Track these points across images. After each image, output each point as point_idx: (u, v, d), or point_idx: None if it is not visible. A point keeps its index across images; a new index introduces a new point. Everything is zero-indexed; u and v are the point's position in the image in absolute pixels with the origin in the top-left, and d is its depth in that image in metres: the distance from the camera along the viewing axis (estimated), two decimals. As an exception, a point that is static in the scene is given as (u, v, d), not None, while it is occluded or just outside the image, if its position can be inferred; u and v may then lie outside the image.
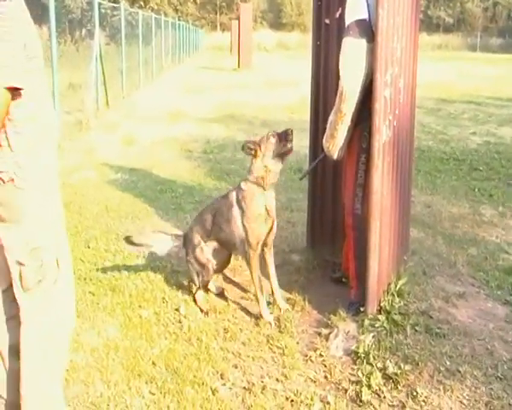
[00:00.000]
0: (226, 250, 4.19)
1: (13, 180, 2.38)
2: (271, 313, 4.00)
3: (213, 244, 4.14)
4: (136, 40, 18.66)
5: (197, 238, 4.17)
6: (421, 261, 4.83)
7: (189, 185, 7.28)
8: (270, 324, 3.90)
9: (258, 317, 3.98)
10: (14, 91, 2.29)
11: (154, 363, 3.45)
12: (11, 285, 2.67)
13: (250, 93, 16.61)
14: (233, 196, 3.98)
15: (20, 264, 2.51)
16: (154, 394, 3.19)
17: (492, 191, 6.99)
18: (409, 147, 4.31)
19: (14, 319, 2.70)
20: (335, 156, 3.89)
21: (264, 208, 3.90)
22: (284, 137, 3.86)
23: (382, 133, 3.58)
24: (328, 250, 4.69)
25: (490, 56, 29.27)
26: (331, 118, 3.81)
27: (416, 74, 4.40)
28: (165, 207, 6.37)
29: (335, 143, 3.80)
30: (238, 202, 3.93)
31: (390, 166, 3.78)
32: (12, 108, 2.33)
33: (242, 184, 3.95)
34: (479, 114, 12.83)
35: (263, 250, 4.06)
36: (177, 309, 4.09)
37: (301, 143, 9.27)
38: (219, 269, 4.34)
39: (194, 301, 4.17)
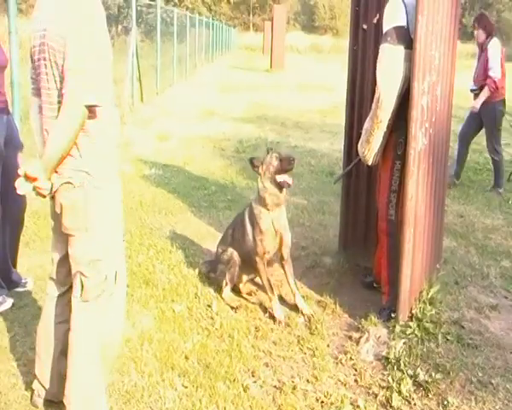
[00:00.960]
0: (245, 262, 4.27)
1: (83, 185, 2.51)
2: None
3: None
4: (170, 38, 18.80)
5: (220, 251, 4.40)
6: (454, 271, 4.82)
7: (222, 183, 7.34)
8: (281, 322, 3.95)
9: (289, 317, 4.02)
10: (91, 107, 2.43)
11: (186, 357, 3.50)
12: (68, 290, 2.78)
13: (282, 94, 16.61)
14: (246, 212, 4.19)
15: (83, 275, 2.61)
16: (186, 387, 3.24)
17: (526, 204, 6.90)
18: (444, 155, 4.30)
19: (64, 324, 2.78)
20: (370, 162, 3.91)
21: (272, 226, 4.01)
22: (287, 162, 3.92)
23: (418, 141, 3.58)
24: (361, 254, 4.70)
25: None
26: (367, 124, 3.82)
27: (454, 82, 4.39)
28: (197, 204, 6.44)
29: (371, 149, 3.82)
30: (249, 218, 4.12)
31: (425, 174, 3.79)
32: (87, 122, 2.46)
33: (252, 202, 4.13)
34: (512, 125, 12.62)
35: (281, 264, 4.19)
36: (209, 305, 4.15)
37: (333, 147, 9.33)
38: (244, 272, 4.37)
39: (223, 299, 4.23)
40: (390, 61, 3.63)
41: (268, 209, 3.99)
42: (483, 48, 7.29)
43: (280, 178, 3.93)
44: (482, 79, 7.26)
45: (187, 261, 4.80)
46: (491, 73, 7.10)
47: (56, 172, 2.48)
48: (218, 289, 4.31)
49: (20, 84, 6.08)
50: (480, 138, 11.02)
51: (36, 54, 2.52)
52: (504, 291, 4.57)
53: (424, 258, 4.03)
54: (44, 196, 2.51)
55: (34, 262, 4.70)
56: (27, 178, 2.41)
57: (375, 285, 4.32)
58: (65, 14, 2.41)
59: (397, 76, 3.62)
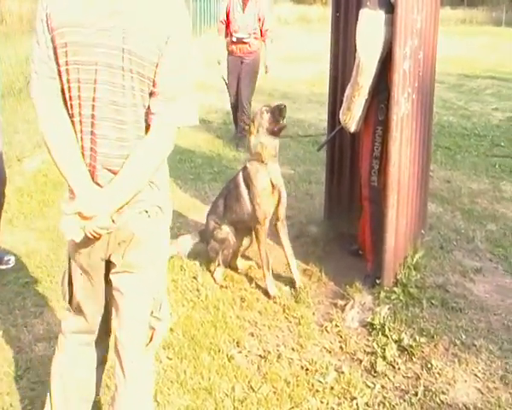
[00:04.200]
0: (240, 231, 4.18)
1: (156, 215, 2.10)
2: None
3: (229, 226, 4.17)
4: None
5: (213, 224, 4.23)
6: (439, 236, 4.82)
7: (208, 156, 7.29)
8: (275, 297, 3.92)
9: (275, 286, 4.01)
10: None
11: (171, 329, 3.49)
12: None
13: (270, 66, 16.46)
14: (239, 176, 4.05)
15: (156, 318, 2.23)
16: (171, 359, 3.24)
17: (514, 168, 6.90)
18: (428, 121, 4.27)
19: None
20: (352, 129, 3.88)
21: (269, 182, 3.91)
22: (278, 112, 3.86)
23: (401, 106, 3.55)
24: (346, 223, 4.68)
25: (515, 31, 28.75)
26: (348, 90, 3.79)
27: (437, 47, 4.33)
28: (183, 176, 6.39)
29: (352, 116, 3.78)
30: (244, 180, 3.99)
31: (408, 140, 3.76)
32: None
33: (247, 164, 4.00)
34: (502, 90, 12.60)
35: (276, 225, 4.08)
36: (195, 277, 4.14)
37: (321, 117, 9.25)
38: (240, 246, 4.29)
39: (213, 279, 4.17)
40: (370, 27, 3.58)
41: (264, 163, 3.88)
42: None
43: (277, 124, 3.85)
44: None
45: (172, 234, 4.77)
46: None
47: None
48: (206, 263, 4.28)
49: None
50: (469, 104, 11.09)
51: (94, 55, 1.92)
52: (489, 254, 4.58)
53: (408, 224, 4.02)
54: (98, 238, 2.02)
55: (17, 239, 4.67)
56: (82, 217, 1.93)
57: (360, 253, 4.32)
58: (165, 16, 1.93)
59: (377, 41, 3.57)
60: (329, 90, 4.67)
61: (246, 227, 4.11)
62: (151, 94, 1.94)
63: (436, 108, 10.17)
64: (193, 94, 2.02)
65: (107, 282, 2.19)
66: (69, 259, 2.22)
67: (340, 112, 3.90)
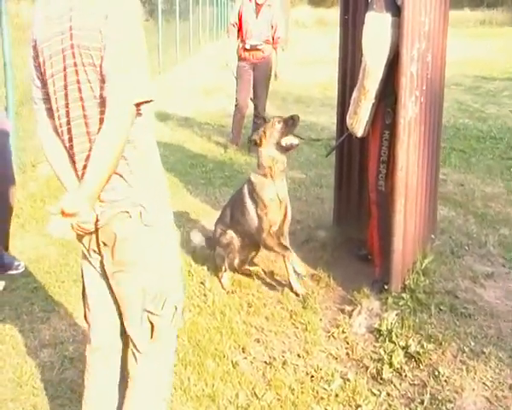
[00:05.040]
0: (247, 241, 4.15)
1: (140, 214, 2.09)
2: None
3: (234, 232, 4.15)
4: (173, 16, 18.62)
5: (219, 232, 4.23)
6: (450, 241, 4.75)
7: (220, 160, 7.29)
8: (303, 295, 3.91)
9: (282, 292, 3.99)
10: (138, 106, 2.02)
11: (177, 335, 3.48)
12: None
13: (285, 70, 16.44)
14: (245, 189, 4.02)
15: (151, 313, 2.22)
16: (175, 365, 3.22)
17: (529, 171, 6.79)
18: (437, 124, 4.22)
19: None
20: (359, 134, 3.84)
21: (276, 195, 3.91)
22: (291, 122, 3.84)
23: (408, 109, 3.51)
24: (355, 227, 4.63)
25: (535, 32, 28.37)
26: (354, 94, 3.75)
27: (446, 49, 4.28)
28: (194, 181, 6.40)
29: (359, 120, 3.75)
30: (249, 193, 3.96)
31: (416, 143, 3.72)
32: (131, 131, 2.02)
33: (252, 177, 3.98)
34: (519, 92, 12.45)
35: (279, 240, 4.03)
36: (202, 283, 4.13)
37: (334, 120, 9.11)
38: (248, 253, 4.27)
39: (221, 284, 4.15)
40: (376, 30, 3.55)
41: (272, 179, 3.87)
42: None
43: (285, 140, 3.84)
44: None
45: (181, 239, 4.77)
46: None
47: (102, 201, 2.05)
48: (214, 269, 4.27)
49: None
50: (485, 106, 10.96)
51: (54, 65, 2.03)
52: (502, 259, 4.50)
53: (417, 228, 3.97)
54: (87, 233, 2.08)
55: (28, 244, 4.71)
56: (65, 215, 1.97)
57: (369, 258, 4.27)
58: (104, 2, 1.98)
59: (383, 45, 3.54)
60: (338, 94, 4.63)
61: (252, 239, 4.08)
62: (102, 81, 1.97)
63: (452, 111, 10.23)
64: (144, 69, 2.02)
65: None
66: (82, 270, 2.29)
67: (347, 116, 3.87)
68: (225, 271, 4.16)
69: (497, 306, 3.80)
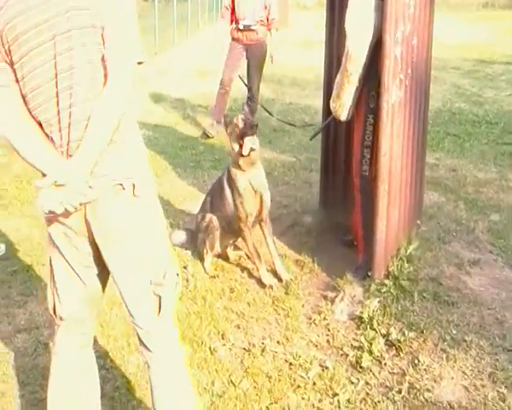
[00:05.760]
0: (228, 228, 4.12)
1: (134, 187, 2.00)
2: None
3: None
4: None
5: (199, 217, 4.23)
6: (438, 226, 4.68)
7: (211, 143, 7.20)
8: (272, 286, 3.84)
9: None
10: None
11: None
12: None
13: (283, 52, 16.28)
14: (223, 176, 4.04)
15: (157, 296, 2.14)
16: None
17: (523, 156, 6.69)
18: (423, 108, 4.13)
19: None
20: (343, 117, 3.77)
21: (250, 186, 3.88)
22: (249, 126, 3.78)
23: (392, 93, 3.43)
24: (340, 212, 4.56)
25: (538, 16, 28.05)
26: (338, 78, 3.68)
27: (432, 33, 4.18)
28: (183, 164, 6.32)
29: (342, 104, 3.68)
30: (227, 181, 3.97)
31: (400, 128, 3.64)
32: None
33: (229, 165, 3.99)
34: (518, 76, 12.30)
35: (260, 226, 4.03)
36: (184, 267, 4.08)
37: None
38: (229, 238, 4.22)
39: (203, 268, 4.11)
40: (359, 12, 3.46)
41: (243, 170, 3.87)
42: None
43: (245, 141, 3.78)
44: None
45: (166, 222, 4.71)
46: None
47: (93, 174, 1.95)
48: (196, 253, 4.22)
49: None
50: (482, 90, 10.83)
51: (34, 37, 1.90)
52: (490, 246, 4.44)
53: (401, 214, 3.91)
54: (78, 208, 1.94)
55: (11, 225, 4.65)
56: (56, 186, 1.86)
57: (354, 243, 4.20)
58: None
59: (366, 28, 3.45)
60: (324, 77, 4.55)
61: (232, 226, 4.05)
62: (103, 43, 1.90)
63: (448, 95, 10.12)
64: (134, 30, 1.97)
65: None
66: (50, 258, 2.16)
67: (331, 100, 3.79)
68: (207, 254, 4.11)
69: (481, 293, 3.75)
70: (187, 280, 3.92)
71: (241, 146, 3.79)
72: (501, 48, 16.59)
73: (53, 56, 1.89)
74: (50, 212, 1.90)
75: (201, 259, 4.15)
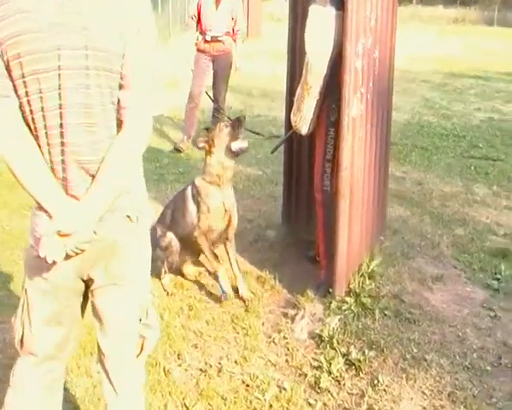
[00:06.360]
0: (187, 243, 3.98)
1: (137, 219, 1.94)
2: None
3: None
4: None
5: (158, 233, 4.03)
6: (402, 241, 4.64)
7: (176, 155, 7.10)
8: (226, 296, 3.73)
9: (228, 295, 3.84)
10: None
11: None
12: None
13: (254, 63, 16.22)
14: (187, 191, 3.88)
15: (142, 337, 2.08)
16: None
17: (489, 169, 6.71)
18: (386, 122, 4.08)
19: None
20: (303, 131, 3.70)
21: (222, 205, 3.77)
22: (237, 124, 3.71)
23: (352, 106, 3.37)
24: (304, 227, 4.49)
25: (506, 31, 28.44)
26: (298, 91, 3.61)
27: (395, 46, 4.14)
28: (147, 177, 6.02)
29: (302, 117, 3.61)
30: (193, 197, 3.82)
31: (362, 142, 3.58)
32: None
33: (196, 181, 3.83)
34: (486, 90, 12.42)
35: (225, 244, 3.93)
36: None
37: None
38: (187, 254, 4.10)
39: (162, 285, 3.99)
40: (318, 24, 3.40)
41: (219, 186, 3.73)
42: None
43: (234, 145, 3.69)
44: None
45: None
46: None
47: None
48: (153, 269, 4.09)
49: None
50: (451, 103, 10.92)
51: (41, 61, 1.76)
52: (454, 261, 4.41)
53: (363, 229, 3.85)
54: (80, 253, 1.85)
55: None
56: (61, 236, 1.77)
57: (317, 259, 4.13)
58: (126, 4, 1.81)
59: (326, 40, 3.40)
60: (286, 88, 4.48)
61: (192, 243, 3.91)
62: (120, 87, 1.80)
63: (418, 108, 10.17)
64: (158, 83, 1.95)
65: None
66: (25, 290, 1.99)
67: (292, 113, 3.72)
68: (165, 273, 3.99)
69: (444, 310, 3.70)
70: (144, 297, 3.80)
71: (232, 152, 3.70)
72: (470, 62, 16.83)
73: (58, 87, 1.77)
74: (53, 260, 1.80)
75: (158, 276, 4.02)
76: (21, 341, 2.03)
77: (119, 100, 1.82)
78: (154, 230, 4.11)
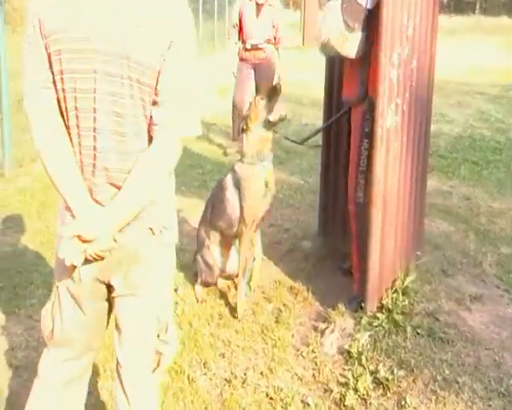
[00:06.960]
0: (227, 242, 3.94)
1: (161, 232, 1.95)
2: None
3: (217, 239, 3.93)
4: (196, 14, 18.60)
5: (202, 234, 3.99)
6: (442, 258, 4.48)
7: (220, 162, 7.11)
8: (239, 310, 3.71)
9: (257, 305, 3.81)
10: None
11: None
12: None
13: (309, 72, 16.16)
14: (227, 178, 3.80)
15: (159, 353, 2.07)
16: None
17: (542, 187, 6.44)
18: (424, 134, 3.94)
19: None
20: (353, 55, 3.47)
21: (263, 184, 3.68)
22: (273, 92, 3.64)
23: (386, 118, 3.27)
24: (340, 239, 4.40)
25: None
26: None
27: (435, 56, 4.00)
28: (189, 183, 6.21)
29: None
30: (234, 183, 3.73)
31: (397, 154, 3.48)
32: None
33: (236, 167, 3.76)
34: (547, 103, 11.98)
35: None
36: (175, 290, 3.95)
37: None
38: (226, 272, 4.04)
39: (194, 290, 3.99)
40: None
41: (262, 161, 3.66)
42: None
43: (273, 115, 3.64)
44: None
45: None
46: None
47: None
48: (189, 275, 4.10)
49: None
50: (507, 117, 10.56)
51: (91, 62, 1.79)
52: (497, 280, 4.22)
53: (398, 244, 3.73)
54: (99, 260, 1.87)
55: (7, 241, 4.61)
56: (82, 241, 1.80)
57: (352, 272, 4.04)
58: (167, 19, 1.81)
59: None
60: (325, 94, 4.44)
61: (233, 234, 3.85)
62: (153, 103, 1.81)
63: (471, 121, 9.89)
64: (196, 102, 1.88)
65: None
66: (57, 286, 2.03)
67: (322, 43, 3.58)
68: (200, 284, 3.98)
69: (481, 332, 3.54)
70: (176, 303, 3.80)
71: (270, 123, 3.65)
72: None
73: (93, 90, 1.80)
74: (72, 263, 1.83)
75: (193, 280, 4.02)
76: (51, 334, 2.06)
77: (151, 115, 1.82)
78: (197, 230, 4.09)
